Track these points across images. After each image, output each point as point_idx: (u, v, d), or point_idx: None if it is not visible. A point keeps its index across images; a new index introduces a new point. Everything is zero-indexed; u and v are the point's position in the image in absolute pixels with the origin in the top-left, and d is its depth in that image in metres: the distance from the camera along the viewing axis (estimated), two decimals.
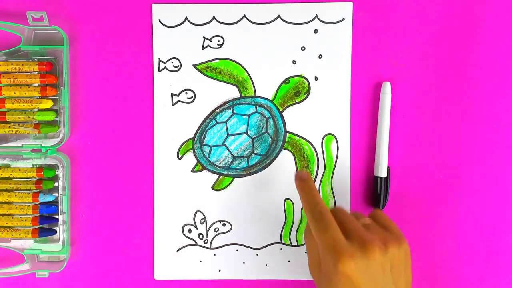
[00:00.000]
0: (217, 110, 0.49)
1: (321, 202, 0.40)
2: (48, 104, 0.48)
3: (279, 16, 0.49)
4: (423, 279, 0.50)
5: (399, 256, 0.38)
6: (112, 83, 0.49)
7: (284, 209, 0.50)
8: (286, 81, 0.49)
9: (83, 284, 0.50)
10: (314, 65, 0.49)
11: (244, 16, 0.49)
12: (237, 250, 0.50)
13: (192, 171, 0.50)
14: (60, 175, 0.49)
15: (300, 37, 0.49)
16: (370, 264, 0.36)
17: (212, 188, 0.50)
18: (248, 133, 0.50)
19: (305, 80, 0.49)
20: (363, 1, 0.49)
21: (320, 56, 0.49)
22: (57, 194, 0.49)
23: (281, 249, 0.50)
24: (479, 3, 0.49)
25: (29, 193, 0.48)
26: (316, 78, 0.49)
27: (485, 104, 0.49)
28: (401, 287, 0.38)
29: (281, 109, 0.49)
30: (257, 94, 0.49)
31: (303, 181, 0.42)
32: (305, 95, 0.49)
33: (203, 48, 0.49)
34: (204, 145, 0.50)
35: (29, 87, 0.48)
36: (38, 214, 0.49)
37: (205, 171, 0.50)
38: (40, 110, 0.48)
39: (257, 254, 0.50)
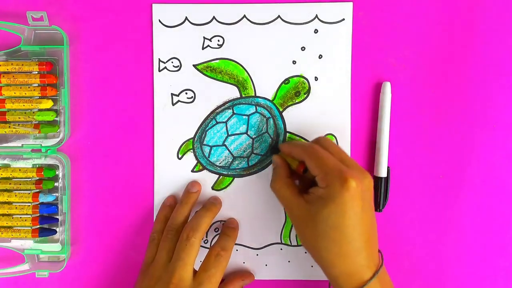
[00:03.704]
0: (217, 110, 0.49)
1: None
2: (48, 104, 0.48)
3: (279, 16, 0.49)
4: (423, 278, 0.50)
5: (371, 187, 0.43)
6: (112, 83, 0.49)
7: (284, 209, 0.50)
8: (286, 81, 0.49)
9: (83, 284, 0.50)
10: (314, 65, 0.49)
11: (244, 16, 0.49)
12: (237, 250, 0.50)
13: (192, 171, 0.50)
14: (60, 175, 0.49)
15: (300, 37, 0.49)
16: (364, 185, 0.41)
17: (212, 188, 0.50)
18: (248, 133, 0.50)
19: (305, 80, 0.49)
20: (363, 1, 0.48)
21: (320, 56, 0.49)
22: (57, 194, 0.49)
23: (281, 249, 0.50)
24: (479, 3, 0.49)
25: (29, 193, 0.48)
26: (316, 78, 0.49)
27: (485, 104, 0.49)
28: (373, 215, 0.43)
29: (281, 109, 0.49)
30: (257, 94, 0.49)
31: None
32: (305, 95, 0.49)
33: (203, 48, 0.49)
34: (204, 145, 0.50)
35: (29, 87, 0.48)
36: (38, 214, 0.48)
37: (205, 171, 0.50)
38: (40, 110, 0.48)
39: (257, 254, 0.50)
